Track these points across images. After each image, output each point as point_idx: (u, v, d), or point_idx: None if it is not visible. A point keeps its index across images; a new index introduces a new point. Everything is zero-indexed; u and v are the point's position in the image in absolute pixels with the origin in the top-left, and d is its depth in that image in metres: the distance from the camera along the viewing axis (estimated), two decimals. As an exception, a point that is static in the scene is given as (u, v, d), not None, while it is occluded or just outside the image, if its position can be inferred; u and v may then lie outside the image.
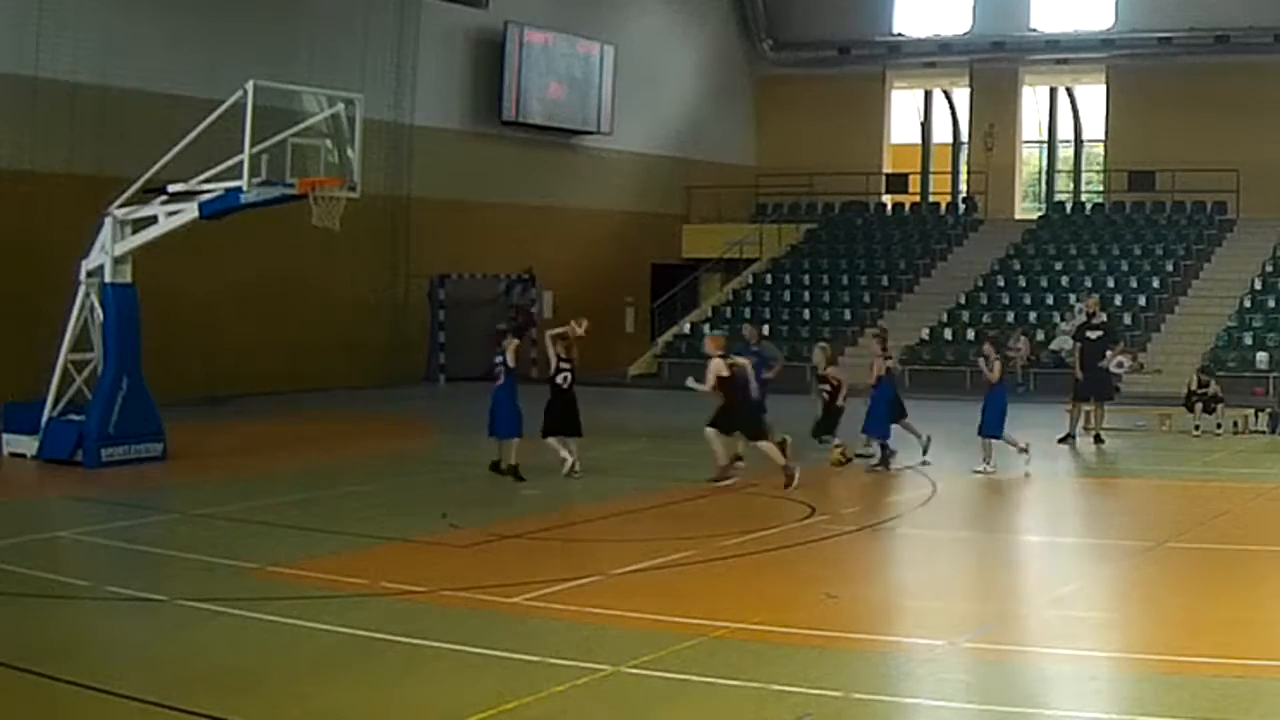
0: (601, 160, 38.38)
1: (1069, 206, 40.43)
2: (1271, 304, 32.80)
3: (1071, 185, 42.62)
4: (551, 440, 17.68)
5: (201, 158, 18.76)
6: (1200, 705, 8.68)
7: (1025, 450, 18.99)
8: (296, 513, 15.82)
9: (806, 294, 37.61)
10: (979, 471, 18.68)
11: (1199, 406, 23.72)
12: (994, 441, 18.94)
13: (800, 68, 42.64)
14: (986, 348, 19.60)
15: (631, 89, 38.20)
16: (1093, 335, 22.97)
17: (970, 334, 34.26)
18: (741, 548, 13.72)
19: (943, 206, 41.75)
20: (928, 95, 43.81)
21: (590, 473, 17.91)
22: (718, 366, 17.58)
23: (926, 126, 43.93)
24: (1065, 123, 42.70)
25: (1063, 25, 39.68)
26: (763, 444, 17.59)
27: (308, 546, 13.97)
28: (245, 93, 18.22)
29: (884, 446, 19.34)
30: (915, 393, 31.83)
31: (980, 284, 36.35)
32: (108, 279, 19.27)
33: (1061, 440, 22.17)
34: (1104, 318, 23.74)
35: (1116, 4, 38.78)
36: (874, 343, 19.68)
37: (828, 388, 19.96)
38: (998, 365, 19.14)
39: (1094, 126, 41.57)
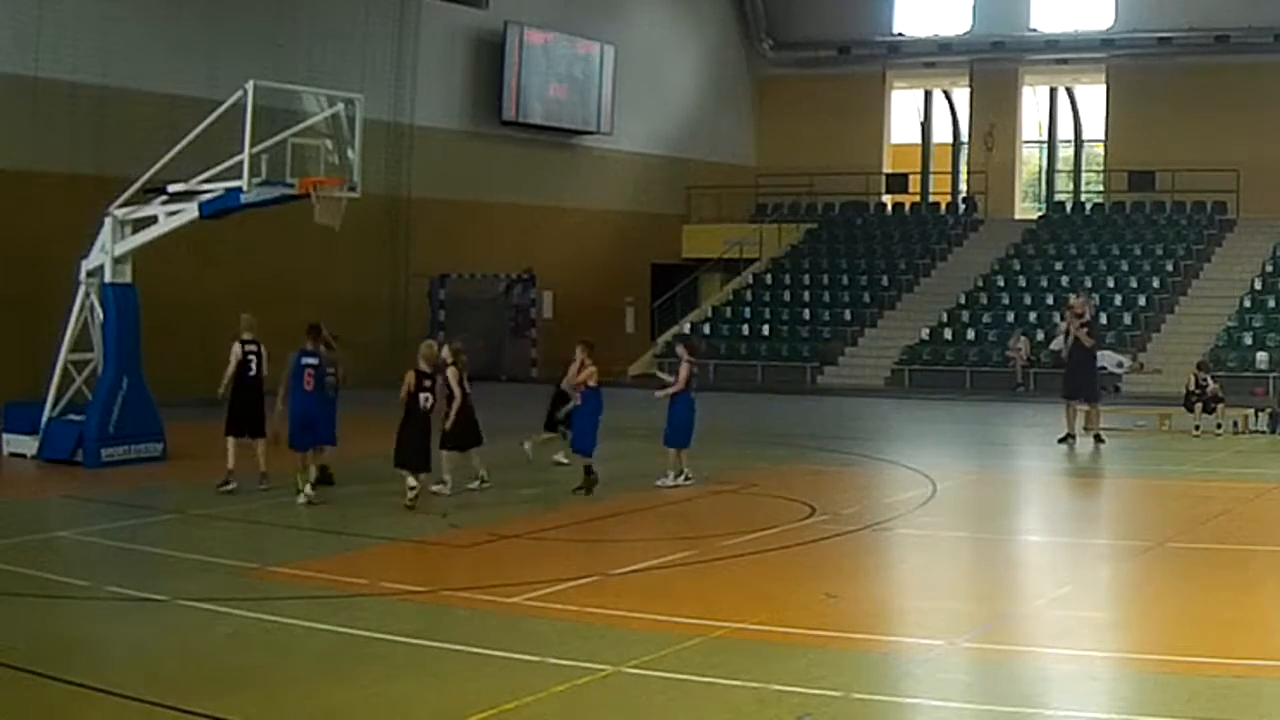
0: (601, 160, 38.38)
1: (1069, 206, 40.45)
2: (1271, 304, 32.82)
3: (1071, 185, 42.64)
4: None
5: (201, 158, 18.76)
6: (1200, 705, 8.68)
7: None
8: (296, 513, 15.82)
9: (806, 294, 37.63)
10: (662, 484, 17.24)
11: (1198, 407, 23.71)
12: (685, 451, 17.45)
13: (800, 68, 42.65)
14: (680, 349, 17.98)
15: (631, 89, 38.22)
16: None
17: (970, 334, 34.29)
18: (741, 548, 13.71)
19: (943, 206, 41.77)
20: (928, 95, 43.83)
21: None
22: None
23: (926, 126, 43.95)
24: (1065, 123, 42.73)
25: (1063, 25, 39.69)
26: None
27: (308, 546, 13.97)
28: (245, 93, 18.22)
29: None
30: (915, 393, 31.97)
31: (980, 284, 36.36)
32: (108, 279, 19.28)
33: (1061, 440, 22.16)
34: (1087, 316, 23.56)
35: (1116, 4, 38.79)
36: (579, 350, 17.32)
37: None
38: (684, 370, 17.32)
39: (1094, 126, 41.61)
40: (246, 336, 17.33)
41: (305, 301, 30.08)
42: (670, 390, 17.42)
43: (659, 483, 17.31)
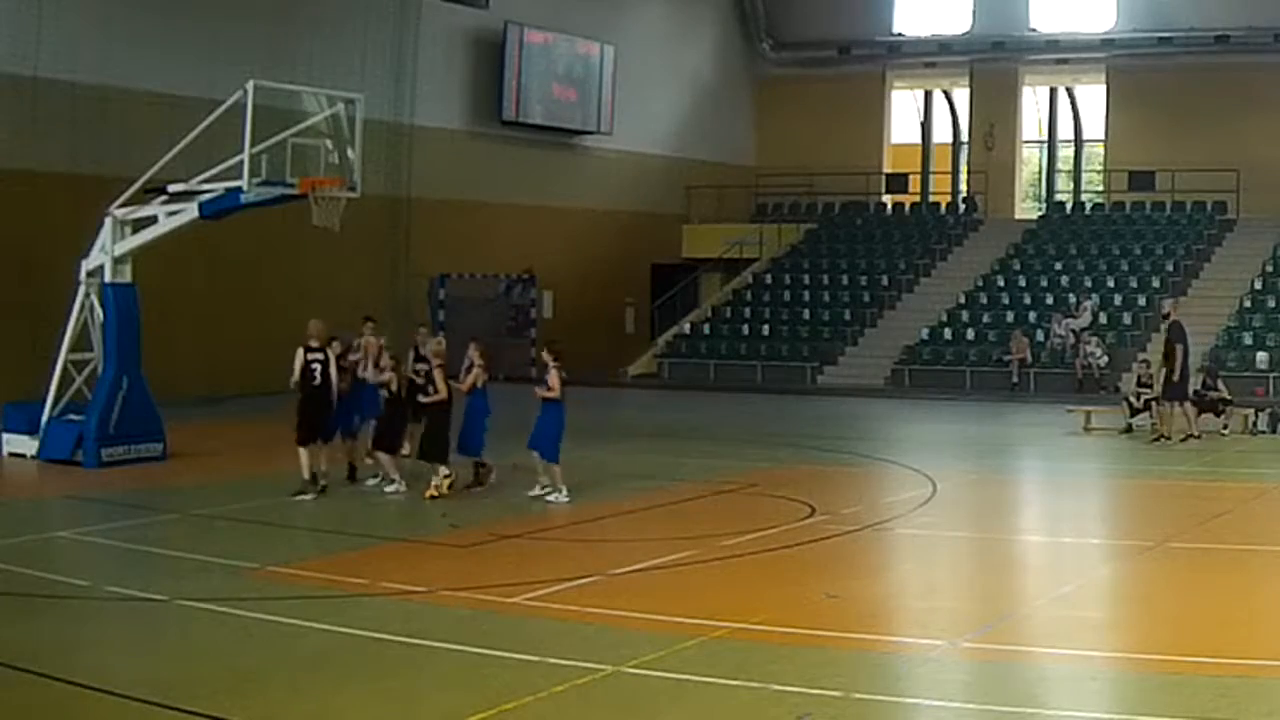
0: (601, 160, 38.38)
1: (1069, 206, 40.44)
2: (1271, 304, 32.80)
3: (1071, 185, 42.64)
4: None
5: (201, 158, 18.76)
6: (1200, 705, 8.68)
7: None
8: (296, 513, 15.83)
9: (806, 294, 37.62)
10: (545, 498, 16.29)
11: (1195, 409, 23.64)
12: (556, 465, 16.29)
13: (800, 68, 42.65)
14: (545, 354, 16.66)
15: (631, 89, 38.21)
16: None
17: (970, 334, 34.28)
18: (741, 548, 13.71)
19: (943, 206, 41.76)
20: (928, 95, 43.83)
21: (590, 472, 17.88)
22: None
23: (926, 126, 43.95)
24: (1065, 123, 42.73)
25: (1063, 25, 39.68)
26: None
27: (308, 546, 13.98)
28: (245, 93, 18.22)
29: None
30: (915, 393, 31.96)
31: (980, 284, 36.36)
32: (108, 279, 19.28)
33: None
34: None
35: (1117, 4, 38.79)
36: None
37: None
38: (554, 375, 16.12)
39: (1094, 126, 41.60)
40: (313, 344, 16.86)
41: (305, 301, 30.15)
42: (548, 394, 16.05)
43: (541, 495, 16.22)
